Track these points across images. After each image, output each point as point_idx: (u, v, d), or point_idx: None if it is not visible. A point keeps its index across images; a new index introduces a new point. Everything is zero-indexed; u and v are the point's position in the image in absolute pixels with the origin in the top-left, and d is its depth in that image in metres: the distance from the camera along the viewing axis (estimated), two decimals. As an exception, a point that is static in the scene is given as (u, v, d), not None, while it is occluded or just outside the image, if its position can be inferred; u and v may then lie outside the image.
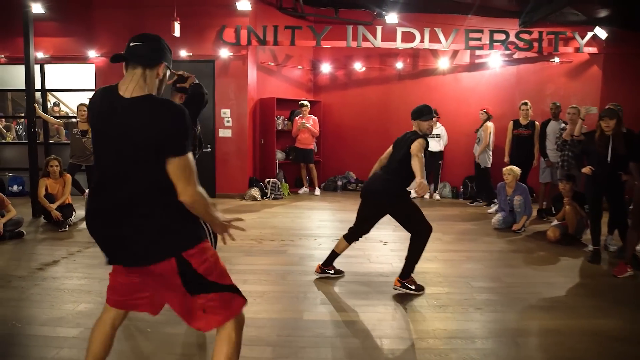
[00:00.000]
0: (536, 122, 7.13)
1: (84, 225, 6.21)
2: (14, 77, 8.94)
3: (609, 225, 5.12)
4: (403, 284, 3.77)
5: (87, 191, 6.82)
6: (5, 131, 9.01)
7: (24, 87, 6.87)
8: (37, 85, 8.43)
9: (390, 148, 3.95)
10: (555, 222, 5.78)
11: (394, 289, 3.80)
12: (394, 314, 3.40)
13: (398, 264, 4.13)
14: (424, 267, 4.26)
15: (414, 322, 3.26)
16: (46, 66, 8.47)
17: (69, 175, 6.42)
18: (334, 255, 4.10)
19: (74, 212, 6.28)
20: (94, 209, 1.94)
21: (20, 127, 9.80)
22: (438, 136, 8.41)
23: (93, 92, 2.02)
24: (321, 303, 3.59)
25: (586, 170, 4.83)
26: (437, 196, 8.58)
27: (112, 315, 2.05)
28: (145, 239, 1.83)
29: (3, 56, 8.29)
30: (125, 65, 1.93)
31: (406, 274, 3.77)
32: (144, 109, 1.82)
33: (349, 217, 6.80)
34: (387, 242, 5.34)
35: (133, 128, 1.80)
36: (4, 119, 9.19)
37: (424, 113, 3.72)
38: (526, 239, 5.72)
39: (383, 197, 3.80)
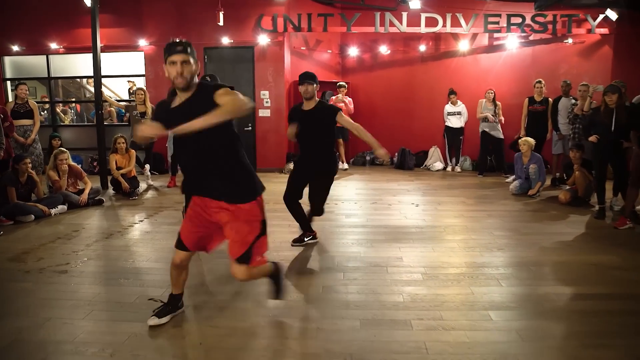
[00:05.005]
0: (549, 99, 7.81)
1: (148, 194, 7.11)
2: (70, 65, 9.84)
3: (614, 188, 5.84)
4: None
5: (147, 166, 7.74)
6: (63, 115, 9.92)
7: (92, 74, 7.72)
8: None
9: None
10: (567, 187, 6.52)
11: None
12: (433, 252, 4.23)
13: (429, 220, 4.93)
14: (452, 222, 5.05)
15: (449, 257, 4.08)
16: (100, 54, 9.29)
17: (133, 150, 7.28)
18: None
19: (139, 184, 7.16)
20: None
21: (72, 111, 10.72)
22: (459, 113, 9.06)
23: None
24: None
25: (592, 138, 5.54)
26: (458, 169, 9.30)
27: None
28: None
29: (62, 47, 9.14)
30: None
31: None
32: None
33: (381, 186, 7.62)
34: (418, 205, 6.15)
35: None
36: (61, 104, 10.09)
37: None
38: (540, 202, 6.47)
39: None
